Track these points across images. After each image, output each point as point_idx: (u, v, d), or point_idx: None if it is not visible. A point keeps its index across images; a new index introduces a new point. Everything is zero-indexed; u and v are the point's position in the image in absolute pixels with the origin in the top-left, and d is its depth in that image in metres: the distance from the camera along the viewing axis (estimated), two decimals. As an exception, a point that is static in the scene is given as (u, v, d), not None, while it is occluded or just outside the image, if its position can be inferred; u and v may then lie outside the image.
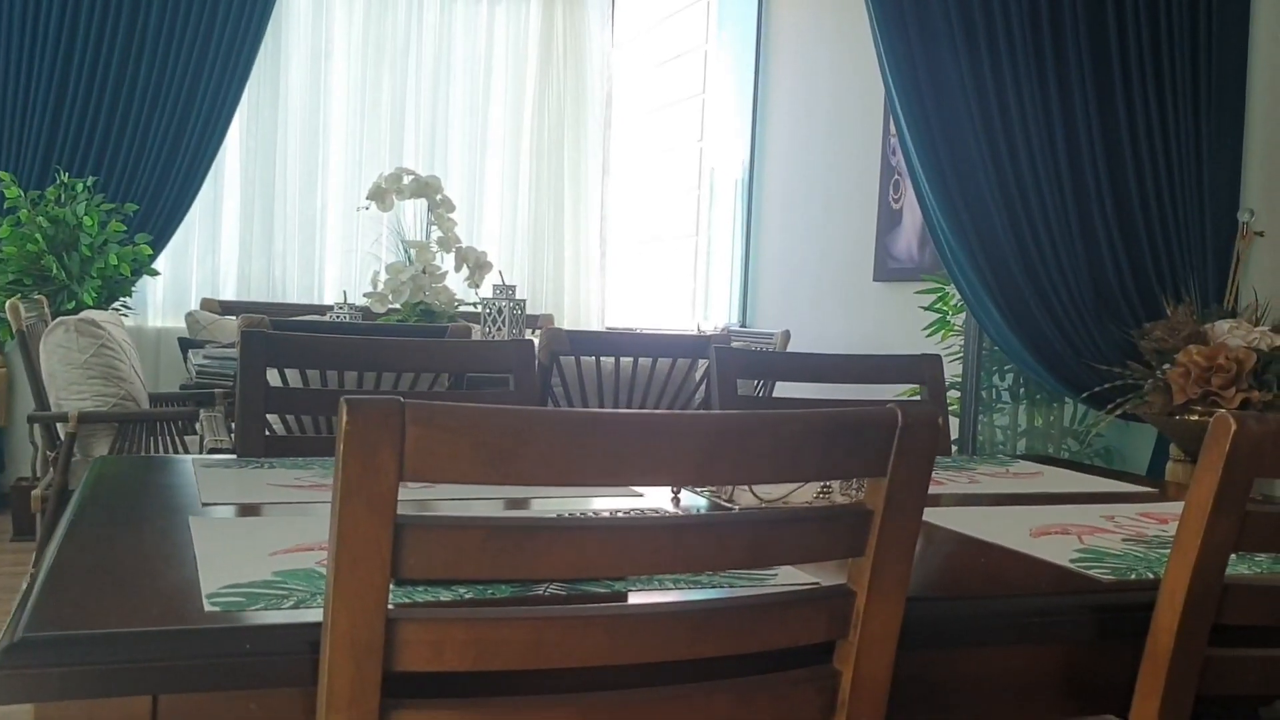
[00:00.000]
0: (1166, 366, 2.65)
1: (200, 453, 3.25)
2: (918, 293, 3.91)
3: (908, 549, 1.04)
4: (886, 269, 4.60)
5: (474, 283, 4.01)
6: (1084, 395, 2.95)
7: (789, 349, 4.46)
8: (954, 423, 3.35)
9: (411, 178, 3.96)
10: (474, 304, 4.05)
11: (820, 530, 1.03)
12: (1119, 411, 2.82)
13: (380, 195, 3.95)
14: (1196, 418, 2.56)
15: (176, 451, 3.40)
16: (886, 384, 2.32)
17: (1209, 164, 3.01)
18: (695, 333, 5.40)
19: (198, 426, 3.47)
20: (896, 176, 4.51)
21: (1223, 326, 2.69)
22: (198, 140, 4.61)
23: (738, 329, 5.38)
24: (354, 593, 0.88)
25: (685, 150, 6.05)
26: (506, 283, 3.97)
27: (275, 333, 2.06)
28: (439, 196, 3.97)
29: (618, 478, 0.94)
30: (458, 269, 3.99)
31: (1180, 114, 2.99)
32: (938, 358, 2.30)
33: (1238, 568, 1.36)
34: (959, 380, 3.42)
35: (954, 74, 2.87)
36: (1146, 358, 2.75)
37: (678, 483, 0.95)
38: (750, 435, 0.97)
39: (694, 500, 1.59)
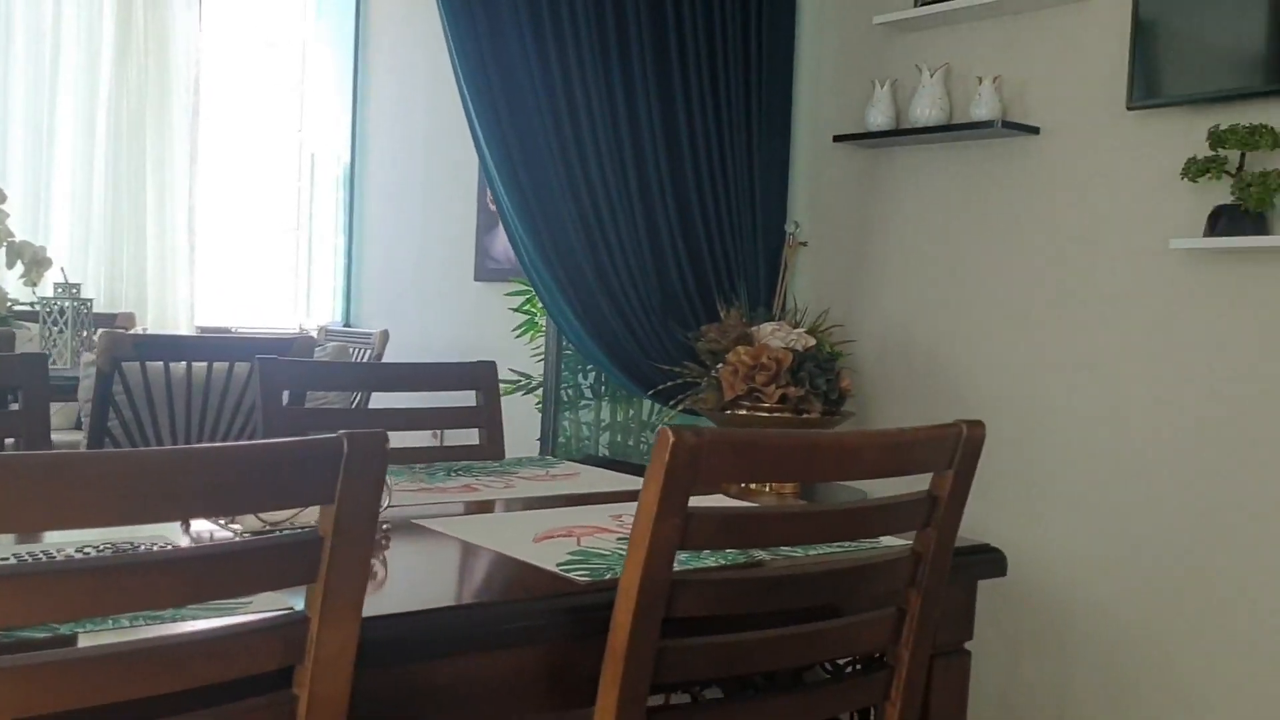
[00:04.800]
0: (720, 365, 2.87)
1: None
2: (507, 294, 4.00)
3: (361, 571, 1.07)
4: (486, 269, 4.68)
5: (31, 280, 3.67)
6: (650, 392, 3.14)
7: (388, 349, 4.43)
8: (535, 420, 3.47)
9: (-50, 166, 3.56)
10: (32, 304, 3.71)
11: (269, 560, 1.03)
12: (680, 407, 3.02)
13: (-88, 184, 3.52)
14: (745, 412, 2.79)
15: None
16: (445, 390, 2.36)
17: (760, 178, 3.30)
18: (298, 332, 5.24)
19: None
20: (493, 178, 4.59)
21: (767, 328, 2.95)
22: None
23: (340, 328, 5.27)
24: None
25: (284, 141, 5.84)
26: (71, 280, 3.66)
27: None
28: (-14, 187, 3.60)
29: (23, 524, 0.89)
30: (10, 265, 3.64)
31: (734, 132, 3.24)
32: (492, 364, 2.36)
33: (706, 562, 1.50)
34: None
35: (526, 80, 2.94)
36: (702, 358, 2.97)
37: (96, 524, 0.92)
38: (179, 473, 0.95)
39: (208, 527, 1.54)
